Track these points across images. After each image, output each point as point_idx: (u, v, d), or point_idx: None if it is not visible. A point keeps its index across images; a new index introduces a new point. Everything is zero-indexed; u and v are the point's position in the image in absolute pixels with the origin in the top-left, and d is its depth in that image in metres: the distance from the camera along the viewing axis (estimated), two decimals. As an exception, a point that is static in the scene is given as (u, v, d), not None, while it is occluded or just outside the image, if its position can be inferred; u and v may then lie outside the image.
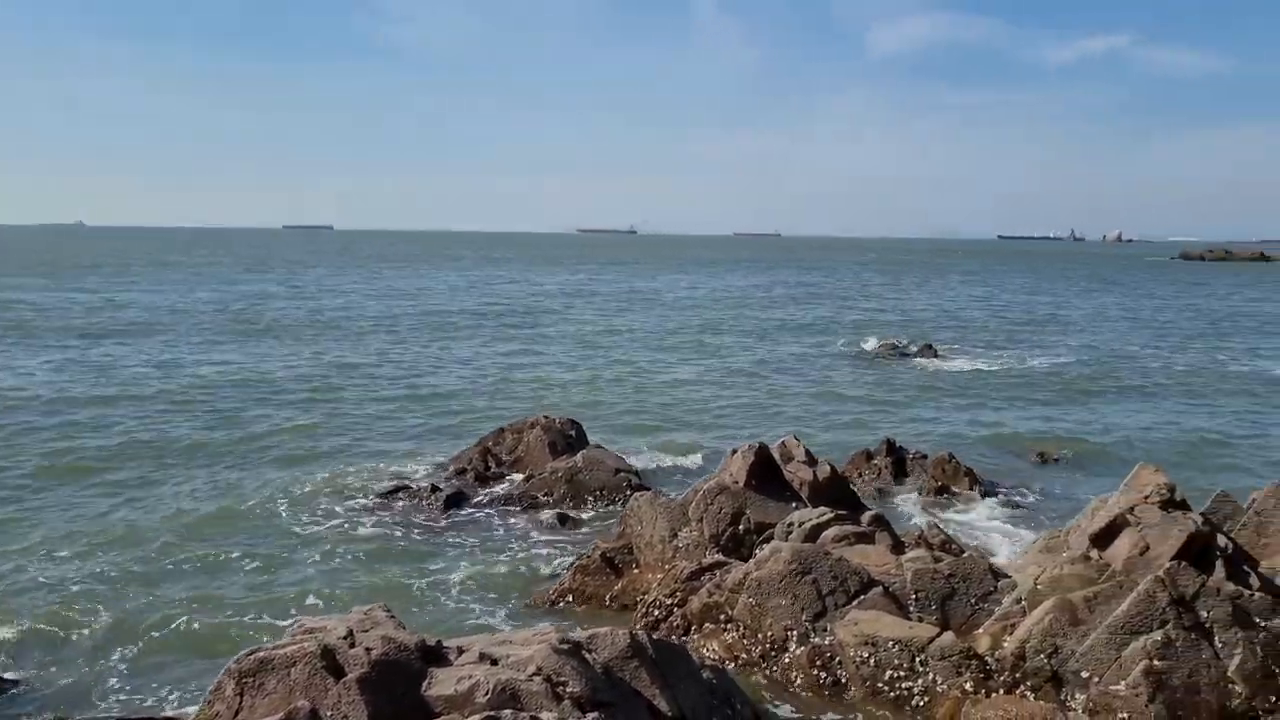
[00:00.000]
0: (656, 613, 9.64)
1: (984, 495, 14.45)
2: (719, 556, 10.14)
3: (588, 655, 6.74)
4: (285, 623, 9.13)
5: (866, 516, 10.43)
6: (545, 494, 13.81)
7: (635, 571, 10.68)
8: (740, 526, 10.61)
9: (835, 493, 11.42)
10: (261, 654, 6.39)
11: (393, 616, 7.06)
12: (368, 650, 6.29)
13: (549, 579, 10.99)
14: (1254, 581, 8.56)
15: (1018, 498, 14.65)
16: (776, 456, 11.36)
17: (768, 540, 10.21)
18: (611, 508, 13.44)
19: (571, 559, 11.23)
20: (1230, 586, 8.25)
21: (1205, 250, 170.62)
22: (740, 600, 9.19)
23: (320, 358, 28.48)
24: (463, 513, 13.50)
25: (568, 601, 10.37)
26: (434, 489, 13.97)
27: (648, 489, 13.58)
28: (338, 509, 13.54)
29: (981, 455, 17.43)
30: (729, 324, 41.67)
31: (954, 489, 14.60)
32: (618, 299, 55.40)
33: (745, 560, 9.96)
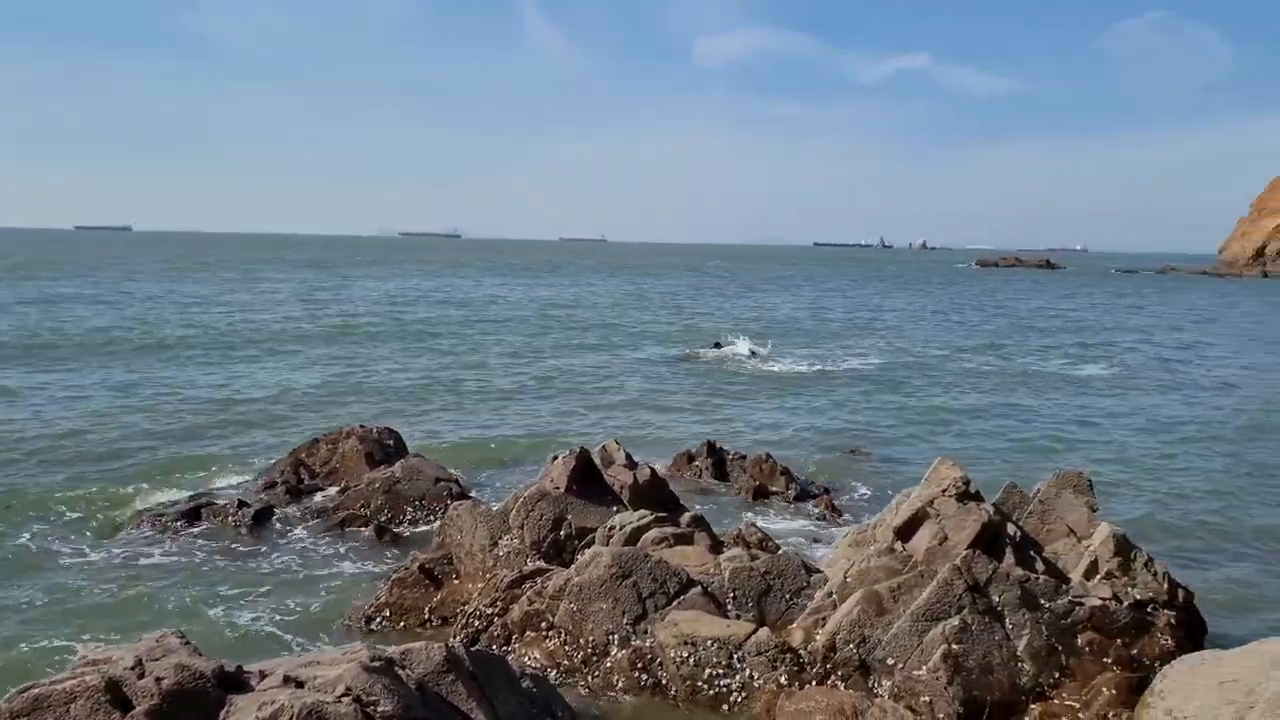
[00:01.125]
0: (477, 623, 9.45)
1: (800, 493, 14.95)
2: (540, 563, 10.05)
3: (401, 672, 6.51)
4: (69, 657, 8.43)
5: (686, 518, 10.59)
6: (362, 506, 13.31)
7: (455, 582, 10.44)
8: (562, 532, 10.55)
9: (656, 495, 11.54)
10: (36, 691, 5.84)
11: (188, 643, 6.60)
12: (158, 680, 5.85)
13: (364, 595, 10.60)
14: (1039, 565, 9.18)
15: (831, 495, 15.22)
16: (598, 461, 11.37)
17: (589, 545, 10.20)
18: (432, 518, 13.09)
19: (388, 572, 10.88)
20: (1019, 571, 8.81)
21: (999, 258, 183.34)
22: (562, 606, 9.13)
23: (125, 367, 26.62)
24: (272, 529, 12.85)
25: (385, 617, 10.03)
26: (240, 505, 13.22)
27: (470, 497, 13.36)
28: (132, 531, 12.63)
29: (799, 454, 18.03)
30: (556, 330, 41.66)
31: (771, 488, 15.03)
32: (442, 304, 54.44)
33: (567, 566, 9.90)
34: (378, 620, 9.94)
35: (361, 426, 15.75)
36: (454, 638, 9.24)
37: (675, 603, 8.98)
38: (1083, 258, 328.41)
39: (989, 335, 44.99)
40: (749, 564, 9.28)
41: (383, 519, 13.07)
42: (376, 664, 6.31)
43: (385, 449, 15.11)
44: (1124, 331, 49.29)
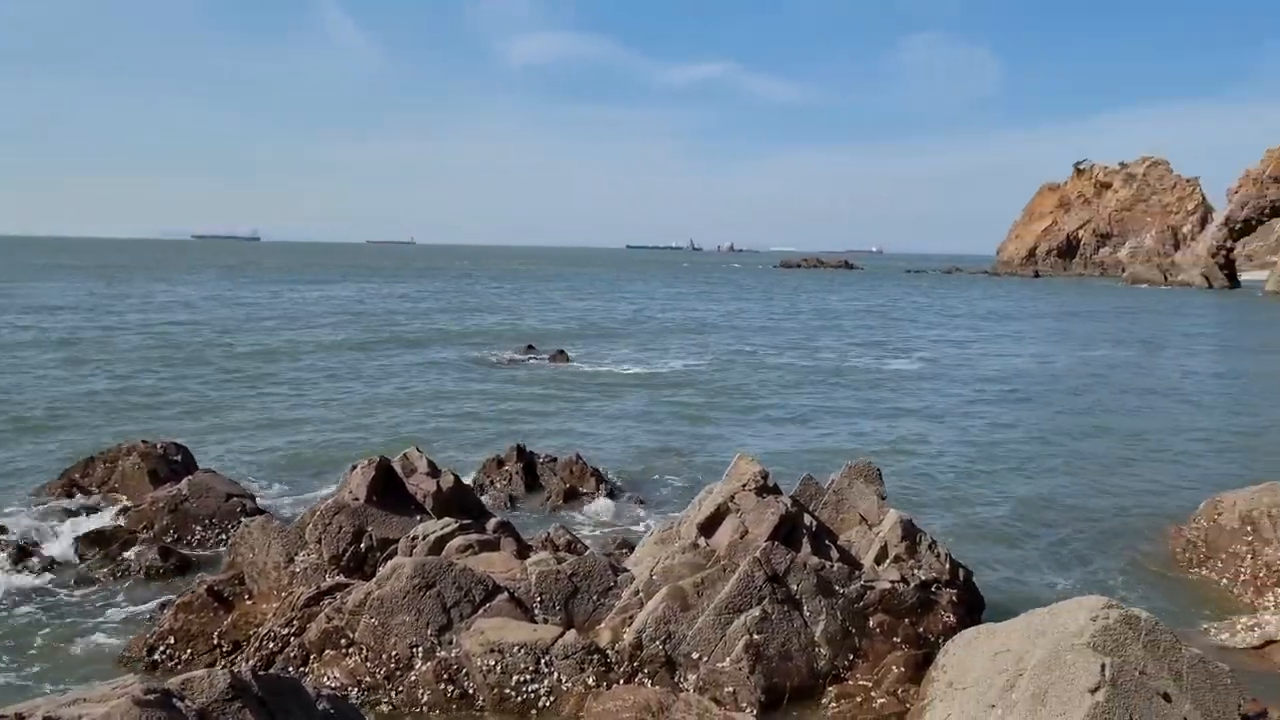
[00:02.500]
0: (271, 645, 8.97)
1: (610, 494, 15.03)
2: (340, 578, 9.65)
3: (181, 704, 6.06)
4: None
5: (492, 524, 10.44)
6: (144, 527, 12.39)
7: (248, 603, 9.88)
8: (362, 545, 10.18)
9: (460, 502, 11.32)
10: None
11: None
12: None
13: (146, 624, 9.88)
14: (834, 554, 9.57)
15: (640, 494, 15.39)
16: (399, 470, 11.04)
17: (392, 557, 9.89)
18: (225, 537, 12.34)
19: (174, 598, 10.18)
20: (815, 560, 9.15)
21: (802, 259, 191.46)
22: (362, 621, 8.80)
23: None
24: (40, 558, 11.78)
25: (168, 646, 9.35)
26: (1, 531, 12.07)
27: (266, 513, 12.70)
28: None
29: (611, 455, 18.15)
30: (364, 333, 40.32)
31: (582, 490, 15.05)
32: (244, 307, 51.73)
33: (370, 579, 9.56)
34: (160, 650, 9.26)
35: (144, 441, 14.69)
36: (245, 662, 8.75)
37: (481, 610, 8.83)
38: (878, 259, 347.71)
39: (798, 334, 46.88)
40: (555, 567, 9.23)
41: (168, 540, 12.21)
42: (151, 697, 5.84)
43: (171, 465, 14.16)
44: (922, 327, 52.47)
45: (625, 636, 8.66)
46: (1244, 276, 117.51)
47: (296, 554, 10.15)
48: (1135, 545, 13.38)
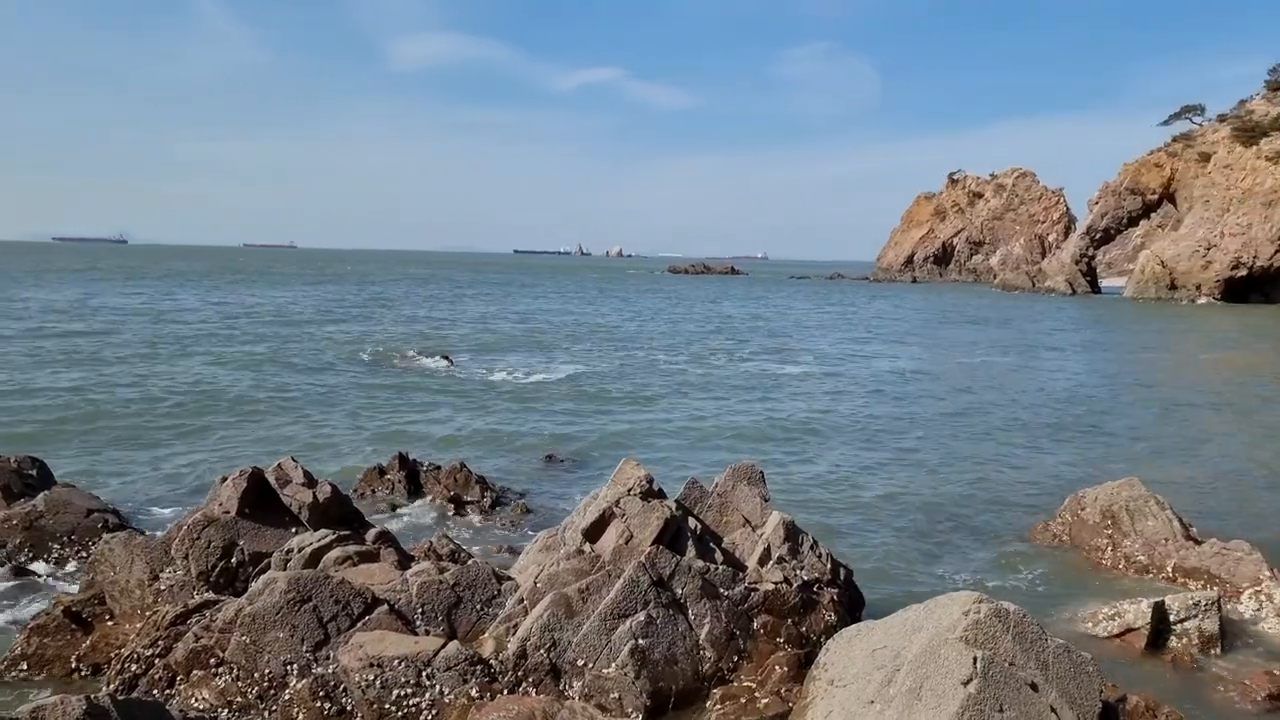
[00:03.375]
0: (134, 668, 8.52)
1: (495, 501, 14.83)
2: (209, 595, 9.23)
3: (30, 734, 5.71)
4: None
5: (371, 534, 10.15)
6: (-4, 547, 11.64)
7: (109, 624, 9.37)
8: (233, 559, 9.77)
9: (338, 512, 10.98)
10: None
11: None
12: None
13: (-3, 649, 9.27)
14: (718, 556, 9.63)
15: (527, 500, 15.24)
16: (272, 480, 10.64)
17: (265, 571, 9.51)
18: (85, 555, 11.68)
19: (28, 621, 9.58)
20: (699, 563, 9.19)
21: (689, 264, 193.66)
22: (233, 640, 8.43)
23: None
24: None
25: (21, 671, 8.80)
26: None
27: (131, 528, 12.08)
28: None
29: (497, 462, 17.94)
30: (241, 340, 38.86)
31: (467, 498, 14.80)
32: (112, 313, 49.25)
33: (241, 596, 9.18)
34: (11, 676, 8.70)
35: (-6, 456, 13.81)
36: (106, 686, 8.30)
37: (360, 624, 8.57)
38: (764, 265, 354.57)
39: (689, 338, 47.28)
40: (437, 577, 9.03)
41: (22, 560, 11.50)
42: (-6, 729, 5.48)
43: (26, 480, 13.33)
44: (810, 331, 53.58)
45: (509, 645, 8.53)
46: (1104, 283, 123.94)
47: (162, 571, 9.67)
48: (1007, 539, 13.90)
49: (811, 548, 10.04)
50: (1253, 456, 20.28)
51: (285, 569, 9.29)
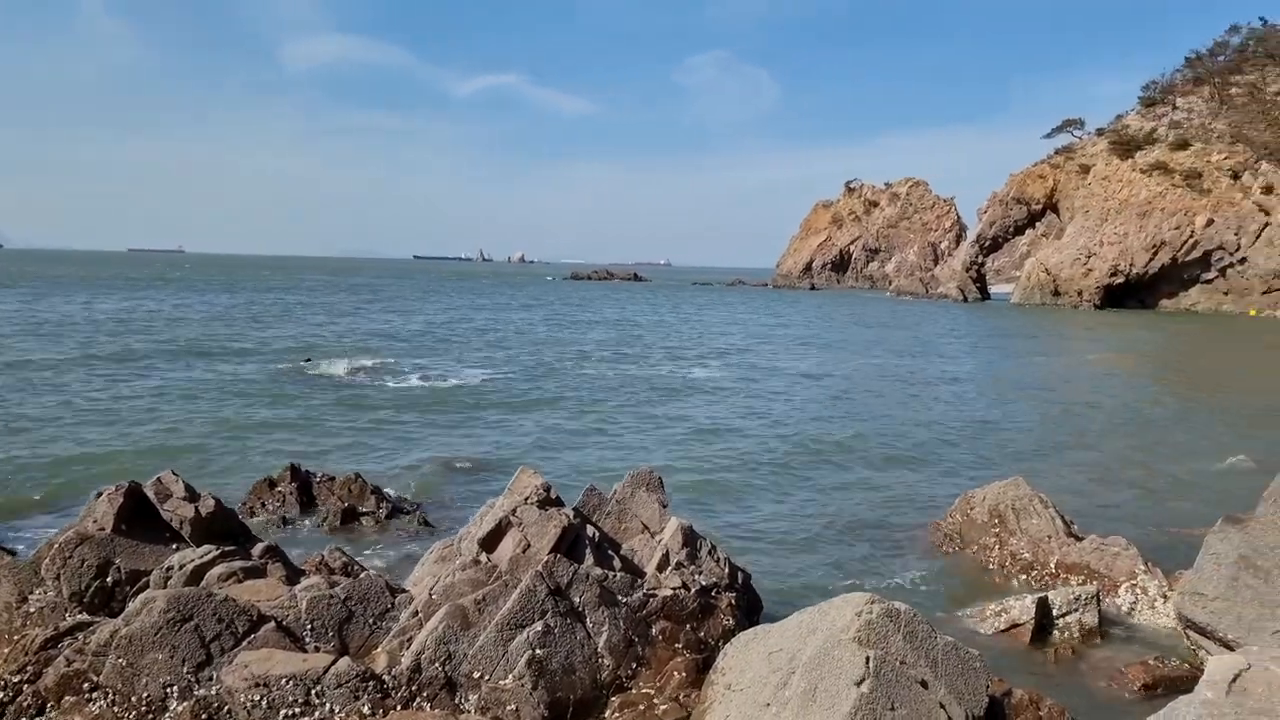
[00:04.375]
0: (0, 695, 8.05)
1: (391, 512, 14.51)
2: (83, 616, 8.78)
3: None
4: None
5: (258, 548, 9.80)
6: None
7: (-28, 651, 8.82)
8: (109, 579, 9.30)
9: (223, 527, 10.58)
10: None
11: None
12: None
13: None
14: (617, 563, 9.59)
15: (424, 511, 14.94)
16: (152, 495, 10.19)
17: (144, 590, 9.10)
18: (-53, 577, 11.00)
19: (-120, 649, 8.95)
20: (597, 571, 9.13)
21: (592, 270, 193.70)
22: (108, 663, 8.03)
23: None
24: None
25: (-128, 704, 8.22)
26: None
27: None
28: None
29: (393, 471, 17.57)
30: (128, 347, 37.23)
31: (362, 509, 14.45)
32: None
33: (117, 617, 8.75)
34: None
35: None
36: (-33, 718, 7.82)
37: (245, 643, 8.25)
38: (666, 271, 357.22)
39: (594, 344, 47.21)
40: (328, 592, 8.77)
41: (-123, 584, 10.76)
42: None
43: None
44: (715, 337, 54.06)
45: (403, 660, 8.32)
46: (993, 289, 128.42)
47: (31, 592, 9.16)
48: (901, 540, 14.21)
49: (710, 552, 10.07)
50: (1130, 455, 21.21)
51: (165, 587, 8.90)
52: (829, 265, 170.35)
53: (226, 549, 9.49)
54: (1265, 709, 5.74)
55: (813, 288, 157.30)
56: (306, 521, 14.24)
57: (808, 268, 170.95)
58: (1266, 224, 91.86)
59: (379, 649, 8.68)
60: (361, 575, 9.54)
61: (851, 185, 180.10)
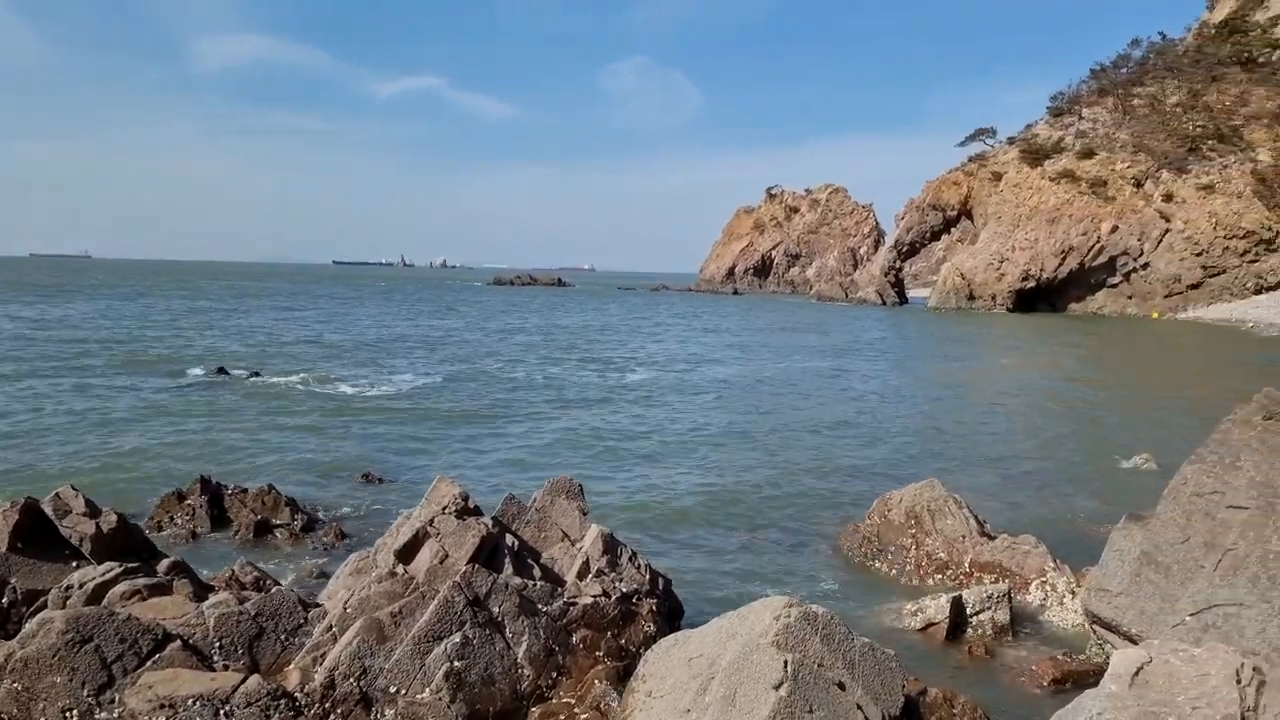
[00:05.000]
0: (-116, 727, 7.62)
1: (306, 524, 14.17)
2: (-26, 640, 8.37)
3: None
4: None
5: (164, 565, 9.48)
6: None
7: None
8: (4, 599, 8.90)
9: (126, 543, 10.19)
10: None
11: None
12: None
13: None
14: (537, 572, 9.50)
15: (340, 523, 14.62)
16: (49, 511, 9.78)
17: (41, 610, 8.72)
18: None
19: None
20: (517, 580, 9.03)
21: (515, 276, 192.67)
22: (3, 688, 7.67)
23: None
24: None
25: None
26: None
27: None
28: None
29: (308, 483, 17.17)
30: (18, 360, 35.73)
31: (275, 521, 14.08)
32: None
33: (11, 639, 8.37)
34: None
35: None
36: None
37: (149, 663, 7.95)
38: (591, 276, 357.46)
39: (520, 348, 46.90)
40: (237, 608, 8.51)
41: None
42: None
43: None
44: (637, 342, 54.10)
45: (316, 676, 8.12)
46: (911, 294, 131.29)
47: (-82, 616, 8.71)
48: (821, 543, 14.37)
49: (630, 559, 10.05)
50: (1040, 455, 21.81)
51: (64, 607, 8.54)
52: (751, 270, 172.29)
53: (130, 566, 9.15)
54: (1165, 700, 5.92)
55: (736, 292, 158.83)
56: (217, 536, 13.82)
57: (731, 273, 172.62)
58: (1167, 230, 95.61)
59: (291, 666, 8.45)
60: (273, 590, 9.28)
61: (773, 191, 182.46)
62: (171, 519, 14.06)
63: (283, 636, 8.61)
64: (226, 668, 8.24)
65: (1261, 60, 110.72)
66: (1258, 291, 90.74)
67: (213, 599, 8.87)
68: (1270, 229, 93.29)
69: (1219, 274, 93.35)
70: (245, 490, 14.97)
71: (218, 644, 8.33)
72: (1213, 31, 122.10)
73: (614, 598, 9.40)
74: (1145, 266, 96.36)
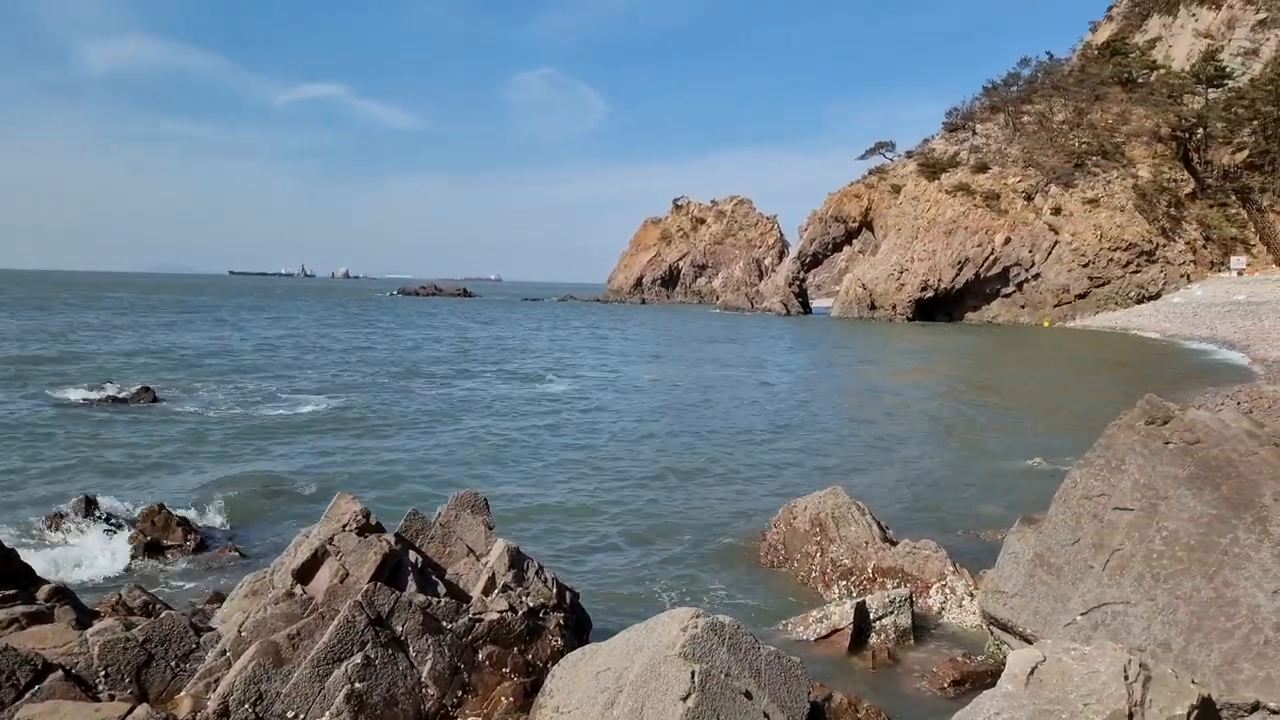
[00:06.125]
0: None
1: (200, 544, 13.66)
2: None
3: None
4: None
5: (44, 591, 9.01)
6: None
7: None
8: None
9: (2, 570, 9.65)
10: None
11: None
12: None
13: None
14: (441, 589, 9.31)
15: (236, 542, 14.13)
16: (-84, 537, 9.23)
17: (-93, 643, 8.19)
18: None
19: None
20: (421, 598, 8.84)
21: (420, 286, 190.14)
22: None
23: None
24: None
25: None
26: None
27: None
28: None
29: (203, 501, 16.54)
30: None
31: (167, 541, 13.53)
32: None
33: (-126, 675, 7.84)
34: None
35: None
36: None
37: (28, 695, 7.54)
38: (497, 287, 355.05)
39: (428, 360, 46.15)
40: (124, 634, 8.13)
41: None
42: None
43: None
44: (546, 352, 53.78)
45: (209, 703, 7.81)
46: (815, 304, 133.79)
47: None
48: (727, 552, 14.46)
49: (537, 573, 9.93)
50: (940, 459, 22.39)
51: (-68, 639, 8.03)
52: (659, 281, 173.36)
53: (6, 593, 8.68)
54: (1059, 698, 6.09)
55: (643, 303, 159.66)
56: (103, 558, 13.20)
57: (638, 283, 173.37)
58: (1056, 242, 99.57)
59: (183, 693, 8.12)
60: (163, 615, 8.89)
61: (679, 203, 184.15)
62: (49, 541, 13.37)
63: (173, 663, 8.26)
64: (113, 698, 7.87)
65: (1140, 80, 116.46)
66: (1139, 301, 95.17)
67: (97, 626, 8.46)
68: (1150, 241, 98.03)
69: (1104, 284, 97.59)
70: (134, 509, 14.36)
71: (103, 673, 7.95)
72: (1095, 52, 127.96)
73: (520, 613, 9.27)
74: (1036, 277, 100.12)
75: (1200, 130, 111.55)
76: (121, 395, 28.88)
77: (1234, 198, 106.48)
